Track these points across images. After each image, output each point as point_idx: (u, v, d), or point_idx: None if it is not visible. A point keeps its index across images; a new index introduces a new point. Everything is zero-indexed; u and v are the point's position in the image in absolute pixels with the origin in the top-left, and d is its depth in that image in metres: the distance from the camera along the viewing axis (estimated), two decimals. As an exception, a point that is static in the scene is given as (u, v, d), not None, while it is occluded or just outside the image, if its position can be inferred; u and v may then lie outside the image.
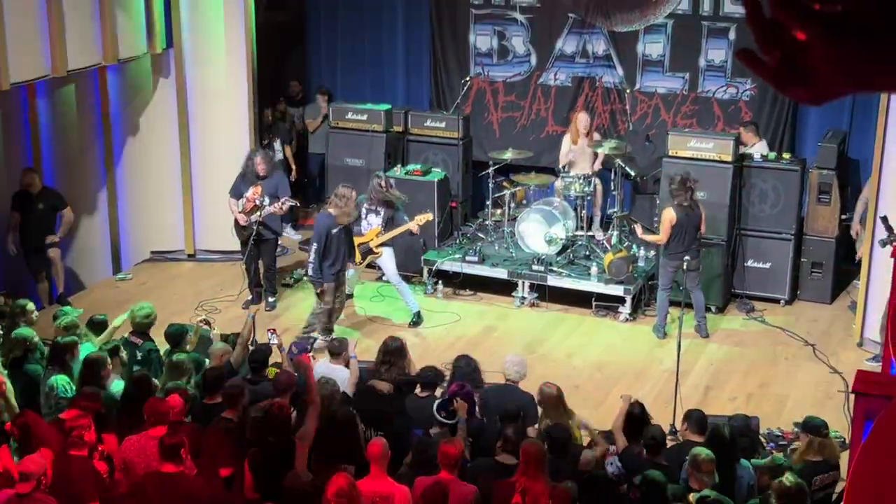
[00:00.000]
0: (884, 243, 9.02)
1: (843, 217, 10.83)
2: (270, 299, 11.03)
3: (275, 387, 7.22)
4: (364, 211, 10.62)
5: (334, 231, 9.68)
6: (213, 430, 6.75)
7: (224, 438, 6.61)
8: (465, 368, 7.80)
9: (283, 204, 10.61)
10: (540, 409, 7.42)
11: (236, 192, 10.78)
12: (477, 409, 7.39)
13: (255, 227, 10.59)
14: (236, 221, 10.77)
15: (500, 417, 7.04)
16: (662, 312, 10.31)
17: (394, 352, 7.82)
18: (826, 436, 6.94)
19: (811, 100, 1.20)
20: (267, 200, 10.59)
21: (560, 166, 11.73)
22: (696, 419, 7.03)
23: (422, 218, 10.51)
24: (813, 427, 6.96)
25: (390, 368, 7.75)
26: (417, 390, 7.59)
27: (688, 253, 9.63)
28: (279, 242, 12.24)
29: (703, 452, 6.25)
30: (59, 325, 8.02)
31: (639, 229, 10.41)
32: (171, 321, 9.13)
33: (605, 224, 11.88)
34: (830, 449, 6.87)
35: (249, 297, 11.02)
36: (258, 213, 10.56)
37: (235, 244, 11.16)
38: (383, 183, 10.55)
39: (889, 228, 8.93)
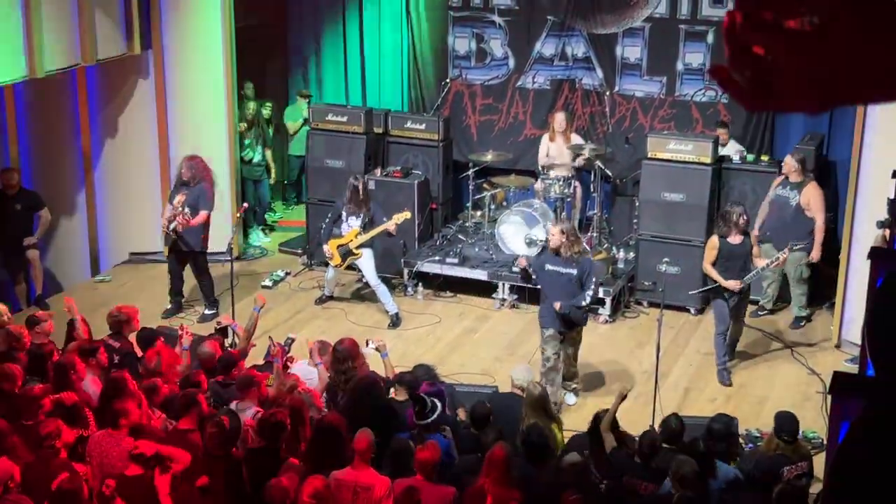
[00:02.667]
0: (881, 224, 9.05)
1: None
2: (207, 312, 10.71)
3: (237, 388, 7.27)
4: (345, 214, 10.61)
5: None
6: (177, 441, 6.78)
7: (191, 448, 6.61)
8: (425, 376, 7.79)
9: (188, 218, 10.30)
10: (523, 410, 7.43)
11: (171, 198, 10.55)
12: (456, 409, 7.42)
13: (172, 236, 10.45)
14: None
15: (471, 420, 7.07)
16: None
17: (345, 357, 7.77)
18: (789, 443, 7.03)
19: (780, 112, 1.22)
20: (188, 211, 10.34)
21: (540, 167, 11.74)
22: (669, 432, 7.02)
23: (399, 217, 10.50)
24: (777, 430, 7.11)
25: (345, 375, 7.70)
26: (399, 395, 7.57)
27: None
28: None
29: (687, 465, 6.23)
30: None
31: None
32: (151, 323, 9.13)
33: (586, 226, 11.89)
34: (794, 449, 6.99)
35: (169, 307, 10.80)
36: (175, 223, 10.36)
37: (214, 246, 11.07)
38: (360, 185, 10.54)
39: (894, 213, 8.93)
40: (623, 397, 7.42)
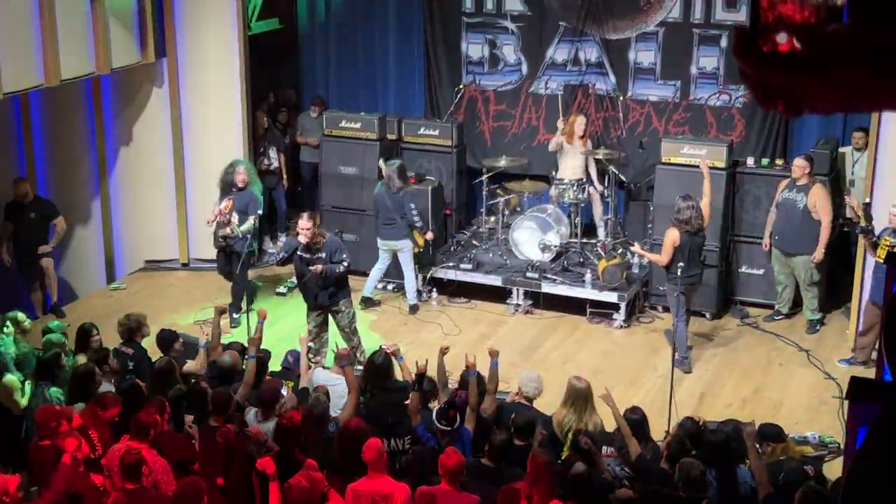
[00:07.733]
0: (862, 230, 9.19)
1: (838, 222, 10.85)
2: (234, 315, 10.68)
3: (260, 399, 7.19)
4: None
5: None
6: (204, 440, 6.79)
7: (217, 447, 6.61)
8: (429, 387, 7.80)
9: (233, 227, 10.38)
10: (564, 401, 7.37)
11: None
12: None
13: (222, 242, 10.52)
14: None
15: (515, 428, 7.00)
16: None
17: (379, 369, 7.76)
18: (783, 441, 7.20)
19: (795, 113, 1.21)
20: (236, 217, 10.38)
21: (552, 150, 11.64)
22: (687, 430, 7.00)
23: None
24: (770, 436, 7.15)
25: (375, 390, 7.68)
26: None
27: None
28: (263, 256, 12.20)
29: (693, 466, 6.20)
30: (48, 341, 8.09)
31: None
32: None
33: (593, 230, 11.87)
34: (788, 449, 7.15)
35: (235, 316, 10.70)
36: (227, 229, 10.39)
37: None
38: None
39: (869, 217, 9.06)
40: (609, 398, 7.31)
